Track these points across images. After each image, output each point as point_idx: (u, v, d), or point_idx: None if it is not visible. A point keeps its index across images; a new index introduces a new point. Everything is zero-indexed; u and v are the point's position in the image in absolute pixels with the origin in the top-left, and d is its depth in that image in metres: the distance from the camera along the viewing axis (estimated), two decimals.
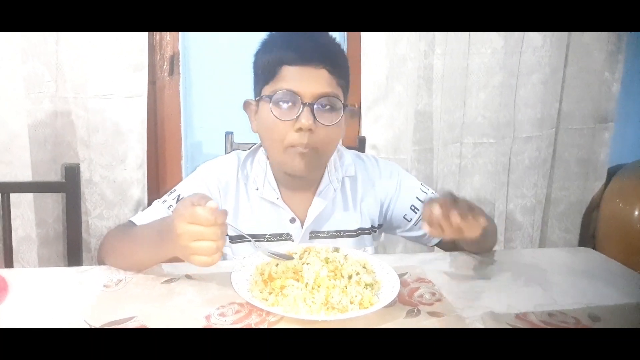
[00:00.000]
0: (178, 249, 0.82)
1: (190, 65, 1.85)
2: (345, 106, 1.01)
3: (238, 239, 1.09)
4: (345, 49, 1.88)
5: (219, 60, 1.86)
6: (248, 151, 1.14)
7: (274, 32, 1.04)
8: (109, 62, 1.61)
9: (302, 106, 0.96)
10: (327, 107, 0.99)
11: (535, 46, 1.87)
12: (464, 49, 1.82)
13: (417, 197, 1.15)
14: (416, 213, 1.15)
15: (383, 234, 1.23)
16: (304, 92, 0.97)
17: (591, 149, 2.06)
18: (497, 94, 1.87)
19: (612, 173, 2.10)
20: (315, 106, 0.97)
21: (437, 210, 0.83)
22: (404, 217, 1.16)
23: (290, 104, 0.98)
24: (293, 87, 0.97)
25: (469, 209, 0.85)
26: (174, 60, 1.79)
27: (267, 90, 1.00)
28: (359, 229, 1.14)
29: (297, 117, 0.97)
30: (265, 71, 1.01)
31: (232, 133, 1.48)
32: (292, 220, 1.10)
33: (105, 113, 1.64)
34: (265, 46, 1.04)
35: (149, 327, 0.77)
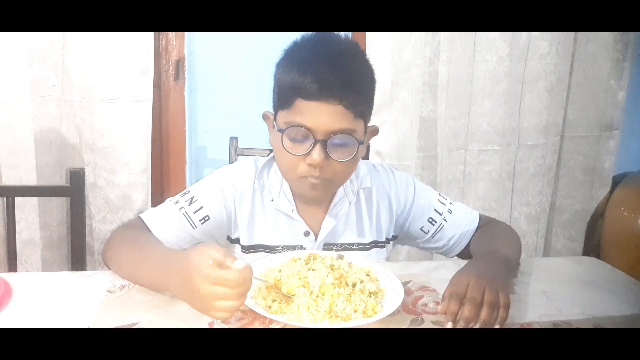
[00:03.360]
0: (195, 303, 0.78)
1: (196, 70, 1.86)
2: (361, 143, 0.98)
3: (250, 249, 1.08)
4: None
5: (225, 65, 1.86)
6: (266, 159, 1.12)
7: (297, 49, 1.00)
8: (114, 66, 1.62)
9: (314, 142, 0.94)
10: (341, 143, 0.96)
11: (541, 54, 1.87)
12: (469, 56, 1.82)
13: (435, 209, 1.14)
14: (434, 225, 1.14)
15: (392, 246, 1.21)
16: (316, 128, 0.94)
17: (596, 157, 2.06)
18: (502, 101, 1.87)
19: (617, 181, 2.10)
20: (328, 143, 0.95)
21: (459, 306, 0.82)
22: (421, 229, 1.15)
23: (302, 138, 0.96)
24: (306, 122, 0.94)
25: (494, 304, 0.81)
26: (179, 65, 1.80)
27: (281, 117, 0.99)
28: (373, 242, 1.12)
29: (309, 152, 0.95)
30: (281, 96, 0.99)
31: (236, 138, 1.48)
32: (307, 234, 1.08)
33: (110, 117, 1.65)
34: (285, 64, 0.99)
35: None
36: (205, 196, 1.05)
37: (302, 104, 0.94)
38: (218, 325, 0.80)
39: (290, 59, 0.99)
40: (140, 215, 1.05)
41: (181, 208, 1.04)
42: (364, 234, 1.12)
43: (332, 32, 1.02)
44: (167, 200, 1.07)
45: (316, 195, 1.02)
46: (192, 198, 1.05)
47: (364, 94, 0.99)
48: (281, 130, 0.97)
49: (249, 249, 1.08)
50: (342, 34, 1.03)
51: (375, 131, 1.09)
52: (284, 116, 0.98)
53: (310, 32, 1.02)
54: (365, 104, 0.99)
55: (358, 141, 0.97)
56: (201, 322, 0.81)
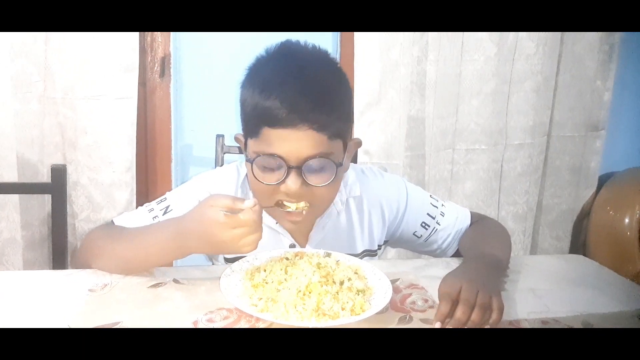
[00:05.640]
0: (221, 250, 0.89)
1: (182, 67, 1.84)
2: (339, 165, 0.91)
3: (234, 261, 1.01)
4: (338, 54, 1.88)
5: (211, 62, 1.85)
6: None
7: (259, 67, 0.94)
8: (98, 62, 1.59)
9: (287, 170, 0.88)
10: (317, 168, 0.90)
11: (528, 54, 1.88)
12: (456, 55, 1.82)
13: (428, 214, 1.11)
14: (427, 230, 1.11)
15: (383, 250, 1.17)
16: (288, 156, 0.88)
17: (582, 157, 2.07)
18: (490, 101, 1.87)
19: (603, 181, 2.11)
20: (303, 168, 0.89)
21: (456, 312, 0.79)
22: (414, 234, 1.12)
23: (275, 166, 0.90)
24: (276, 150, 0.88)
25: (486, 306, 0.79)
26: (165, 62, 1.77)
27: (250, 146, 0.93)
28: (365, 251, 1.09)
29: (284, 180, 0.89)
30: (247, 124, 0.93)
31: (222, 136, 1.46)
32: (292, 247, 1.04)
33: (94, 114, 1.62)
34: (248, 86, 0.93)
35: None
36: (181, 206, 0.98)
37: (269, 133, 0.88)
38: (203, 324, 0.79)
39: (252, 81, 0.92)
40: (114, 219, 1.03)
41: (155, 217, 1.01)
42: (355, 244, 1.08)
43: (298, 43, 0.95)
44: (143, 206, 1.04)
45: (297, 224, 0.97)
46: (167, 207, 1.01)
47: (338, 112, 0.91)
48: (250, 161, 0.92)
49: (232, 261, 1.01)
50: (310, 44, 0.96)
51: (358, 144, 1.04)
52: (252, 145, 0.92)
53: (275, 45, 0.95)
54: (341, 122, 0.92)
55: (336, 163, 0.90)
56: (185, 320, 0.79)
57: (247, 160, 0.94)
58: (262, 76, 0.92)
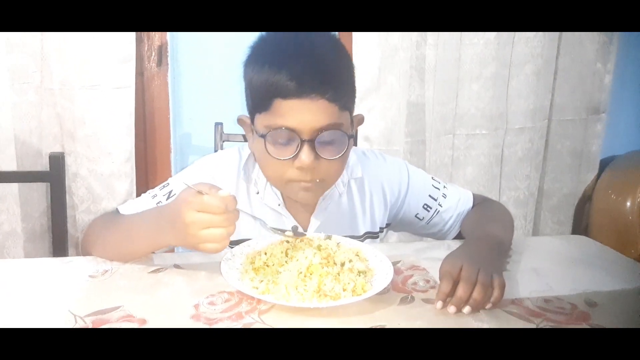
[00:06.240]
0: (184, 237, 0.80)
1: (179, 56, 1.82)
2: (351, 136, 0.93)
3: (236, 244, 1.01)
4: None
5: (208, 51, 1.83)
6: None
7: (265, 44, 0.94)
8: (95, 52, 1.58)
9: (300, 143, 0.88)
10: (330, 140, 0.90)
11: (528, 37, 1.86)
12: (456, 39, 1.80)
13: (429, 195, 1.11)
14: (428, 211, 1.11)
15: (385, 234, 1.18)
16: (301, 128, 0.88)
17: (584, 141, 2.06)
18: (490, 85, 1.86)
19: (604, 165, 2.10)
20: (316, 142, 0.89)
21: (457, 291, 0.79)
22: (416, 216, 1.12)
23: (287, 141, 0.89)
24: (289, 123, 0.88)
25: (487, 284, 0.79)
26: (162, 51, 1.76)
27: (260, 120, 0.92)
28: (367, 233, 1.09)
29: (296, 154, 0.89)
30: (256, 98, 0.92)
31: (221, 124, 1.45)
32: (295, 228, 1.02)
33: (92, 105, 1.61)
34: (255, 62, 0.93)
35: (136, 317, 0.75)
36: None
37: (281, 104, 0.88)
38: (204, 307, 0.78)
39: (259, 56, 0.92)
40: (118, 207, 1.03)
41: (158, 203, 1.01)
42: (357, 226, 1.08)
43: None
44: (147, 193, 1.04)
45: (308, 198, 0.98)
46: (170, 192, 1.01)
47: (347, 83, 0.93)
48: (262, 136, 0.91)
49: (235, 244, 1.01)
50: None
51: (361, 120, 1.04)
52: (262, 120, 0.91)
53: None
54: (349, 94, 0.93)
55: (347, 135, 0.92)
56: (187, 304, 0.79)
57: (259, 136, 0.92)
58: (268, 52, 0.92)
